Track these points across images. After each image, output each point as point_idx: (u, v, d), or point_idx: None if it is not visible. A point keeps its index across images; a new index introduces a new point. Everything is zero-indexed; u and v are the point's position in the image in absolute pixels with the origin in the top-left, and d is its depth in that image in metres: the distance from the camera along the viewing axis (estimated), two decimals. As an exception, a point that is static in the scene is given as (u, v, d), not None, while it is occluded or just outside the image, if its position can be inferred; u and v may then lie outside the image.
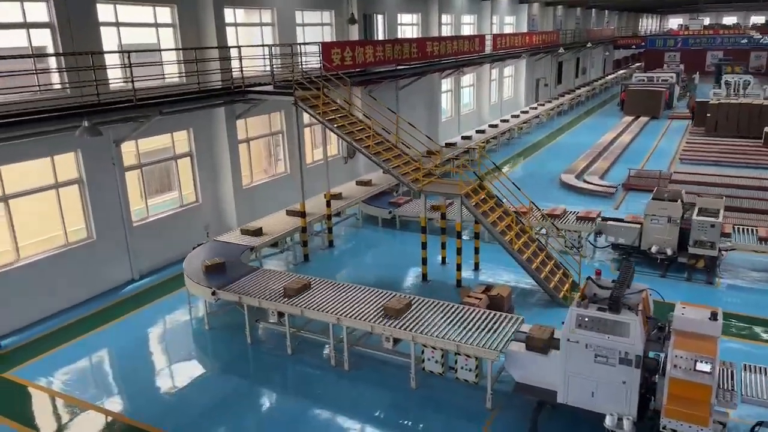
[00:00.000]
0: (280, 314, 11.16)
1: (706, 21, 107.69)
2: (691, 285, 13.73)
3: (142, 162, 15.10)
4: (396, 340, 10.06)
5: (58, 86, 12.77)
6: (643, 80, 44.07)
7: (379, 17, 24.43)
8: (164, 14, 15.22)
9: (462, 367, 9.41)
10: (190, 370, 11.10)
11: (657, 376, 8.43)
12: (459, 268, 13.82)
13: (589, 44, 47.82)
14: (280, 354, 11.29)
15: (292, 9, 19.29)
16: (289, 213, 16.26)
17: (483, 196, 13.70)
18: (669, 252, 14.16)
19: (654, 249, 14.28)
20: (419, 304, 10.85)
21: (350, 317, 10.40)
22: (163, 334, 12.58)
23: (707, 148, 27.49)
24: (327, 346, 11.21)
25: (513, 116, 34.05)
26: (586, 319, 8.26)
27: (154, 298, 13.96)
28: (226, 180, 16.94)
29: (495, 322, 10.09)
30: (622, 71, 66.27)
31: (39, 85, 12.37)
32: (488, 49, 30.39)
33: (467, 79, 32.93)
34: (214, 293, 11.70)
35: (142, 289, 14.48)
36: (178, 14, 15.29)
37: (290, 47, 17.74)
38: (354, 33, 22.14)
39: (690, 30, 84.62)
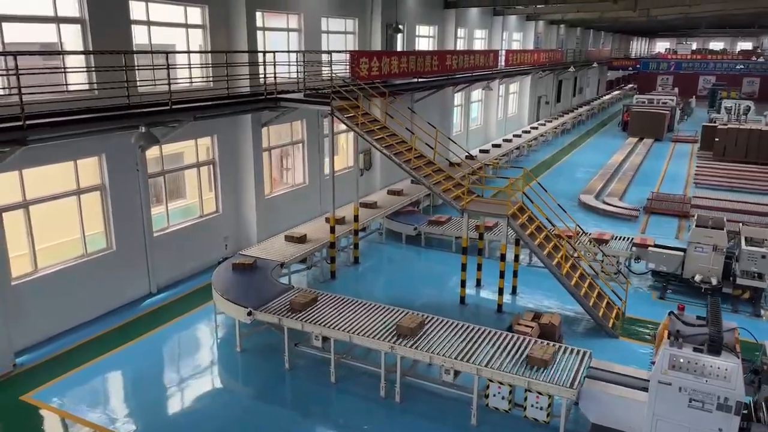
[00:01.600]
0: (325, 339, 10.43)
1: (694, 46, 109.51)
2: (738, 317, 13.24)
3: (165, 169, 14.28)
4: (456, 373, 9.39)
5: (86, 86, 11.92)
6: (644, 102, 44.28)
7: (399, 28, 23.87)
8: (195, 15, 14.47)
9: (532, 405, 8.76)
10: (221, 398, 10.26)
11: (751, 423, 7.87)
12: (501, 292, 13.21)
13: (594, 64, 47.92)
14: (323, 381, 10.51)
15: (318, 15, 18.66)
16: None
17: (528, 216, 13.14)
18: (714, 281, 13.72)
19: (698, 278, 13.83)
20: (469, 332, 10.21)
21: (404, 345, 9.71)
22: (189, 356, 11.70)
23: (719, 173, 27.36)
24: (374, 374, 10.47)
25: (524, 132, 33.81)
26: (681, 360, 7.68)
27: (175, 314, 13.10)
28: (248, 190, 16.15)
29: (556, 355, 9.46)
30: (616, 92, 66.78)
31: (66, 84, 11.54)
32: (501, 64, 30.10)
33: (476, 94, 32.57)
34: (250, 313, 10.92)
35: (161, 304, 13.61)
36: (209, 15, 14.55)
37: (323, 55, 17.09)
38: (377, 43, 21.58)
39: (679, 54, 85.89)
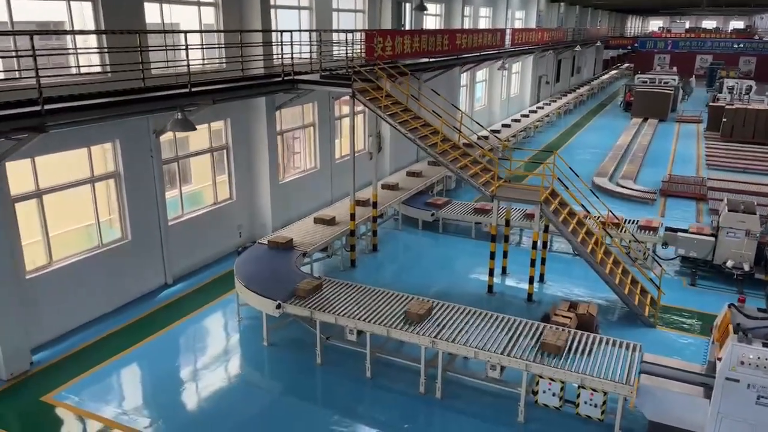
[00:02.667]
0: (359, 332, 9.99)
1: (687, 24, 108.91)
2: (771, 303, 12.97)
3: (179, 155, 13.68)
4: (502, 368, 8.99)
5: (98, 68, 11.24)
6: (645, 82, 43.77)
7: (407, 6, 23.17)
8: (207, -9, 13.78)
9: (586, 402, 8.40)
10: (250, 394, 9.79)
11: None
12: (531, 281, 12.82)
13: (599, 42, 47.33)
14: (358, 377, 10.09)
15: (329, -8, 17.96)
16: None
17: (560, 201, 12.72)
18: (746, 267, 13.40)
19: (730, 264, 13.51)
20: (501, 323, 9.82)
21: (443, 339, 9.30)
22: (213, 351, 11.16)
23: (730, 154, 27.07)
24: (410, 369, 10.07)
25: (531, 112, 33.37)
26: (751, 356, 7.32)
27: (194, 307, 12.59)
28: (263, 175, 15.57)
29: (598, 346, 9.09)
30: (614, 71, 66.24)
31: (78, 66, 10.86)
32: (507, 43, 29.48)
33: (480, 74, 31.94)
34: (279, 306, 10.45)
35: (178, 295, 13.09)
36: (221, -8, 13.86)
37: (338, 34, 16.44)
38: (387, 22, 20.89)
39: (674, 33, 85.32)
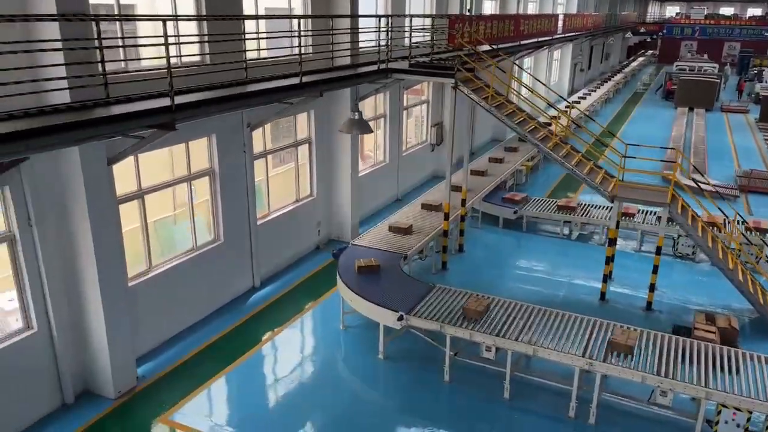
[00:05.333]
0: (497, 349, 9.15)
1: (705, 11, 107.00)
2: None
3: (268, 149, 12.79)
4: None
5: (197, 57, 10.26)
6: (684, 70, 42.52)
7: (469, -10, 22.12)
8: (295, -26, 12.79)
9: (779, 435, 7.58)
10: (375, 416, 8.99)
11: None
12: (652, 288, 11.96)
13: (643, 29, 46.06)
14: (494, 398, 9.25)
15: (403, -24, 16.93)
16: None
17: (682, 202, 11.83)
18: None
19: None
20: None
21: (607, 362, 8.46)
22: (325, 365, 10.20)
23: (794, 147, 26.10)
24: (553, 390, 9.25)
25: (581, 98, 32.63)
26: None
27: (291, 313, 11.75)
28: (344, 170, 14.64)
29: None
30: (641, 58, 64.80)
31: (180, 56, 9.87)
32: (559, 29, 28.44)
33: (527, 61, 30.89)
34: (401, 318, 9.60)
35: (269, 300, 12.24)
36: (309, -25, 12.87)
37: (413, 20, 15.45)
38: (455, 6, 19.85)
39: (692, 19, 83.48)
